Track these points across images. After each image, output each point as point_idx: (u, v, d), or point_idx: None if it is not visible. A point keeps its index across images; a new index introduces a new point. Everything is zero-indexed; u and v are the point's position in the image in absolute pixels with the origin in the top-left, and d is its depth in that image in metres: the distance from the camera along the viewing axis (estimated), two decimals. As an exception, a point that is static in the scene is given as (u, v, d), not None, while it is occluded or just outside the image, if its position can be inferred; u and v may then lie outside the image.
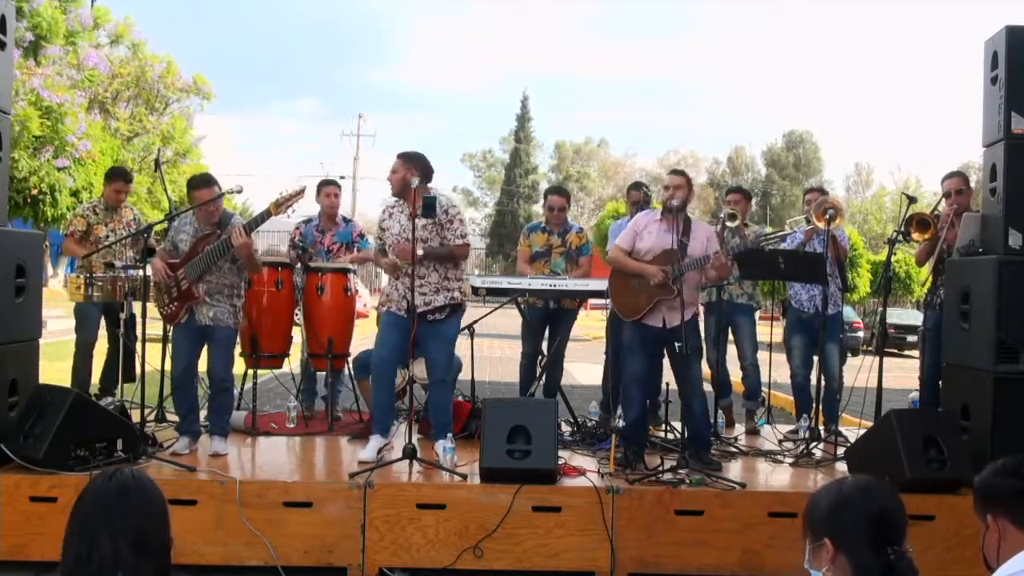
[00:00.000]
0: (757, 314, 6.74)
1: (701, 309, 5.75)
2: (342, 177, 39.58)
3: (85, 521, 1.83)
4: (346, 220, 6.62)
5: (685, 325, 4.77)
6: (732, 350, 6.45)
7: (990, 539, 2.16)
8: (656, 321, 4.93)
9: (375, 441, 4.87)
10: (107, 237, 6.10)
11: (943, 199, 5.51)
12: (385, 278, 5.12)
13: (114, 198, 6.25)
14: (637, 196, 6.46)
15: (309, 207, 6.81)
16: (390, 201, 5.16)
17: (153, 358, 5.44)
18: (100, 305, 5.95)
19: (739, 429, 6.34)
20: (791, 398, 6.57)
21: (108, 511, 1.83)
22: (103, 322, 6.15)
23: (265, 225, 4.96)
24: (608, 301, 5.38)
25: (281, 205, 4.79)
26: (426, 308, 4.82)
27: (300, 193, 4.88)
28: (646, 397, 5.21)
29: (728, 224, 6.12)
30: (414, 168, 4.86)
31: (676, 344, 4.82)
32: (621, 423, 5.00)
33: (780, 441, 5.83)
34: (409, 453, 4.45)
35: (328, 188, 6.60)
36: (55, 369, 6.49)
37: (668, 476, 4.47)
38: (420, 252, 4.78)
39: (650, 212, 5.24)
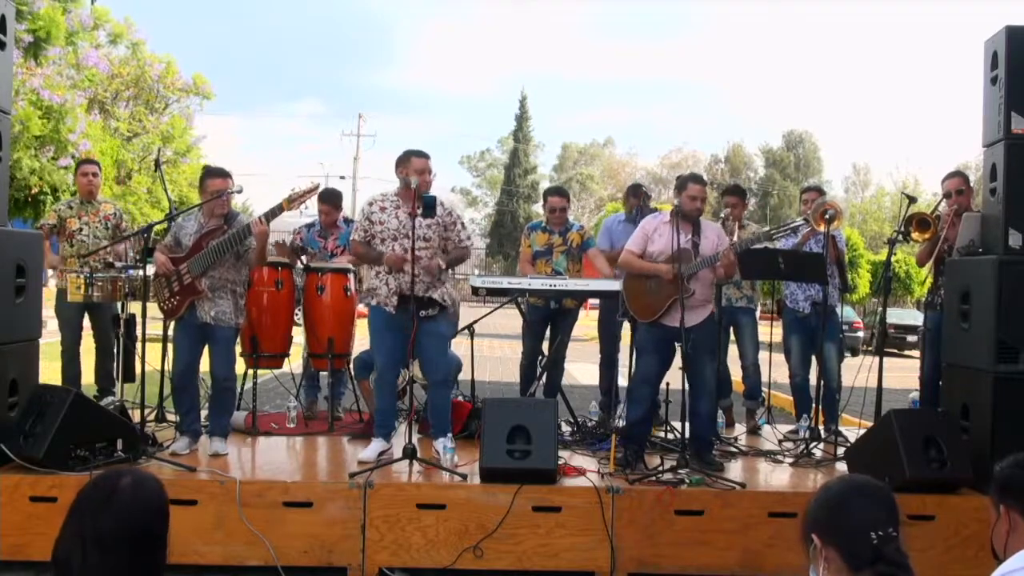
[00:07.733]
0: (758, 313, 6.72)
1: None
2: (342, 177, 39.56)
3: (68, 523, 1.82)
4: (347, 221, 6.55)
5: (692, 327, 4.76)
6: (732, 350, 6.46)
7: (999, 529, 2.16)
8: (673, 321, 4.90)
9: (377, 444, 4.87)
10: (80, 230, 6.13)
11: (943, 199, 5.51)
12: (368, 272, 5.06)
13: (85, 185, 6.28)
14: (636, 203, 6.32)
15: (314, 207, 6.78)
16: (378, 195, 5.09)
17: (153, 358, 5.44)
18: (80, 305, 5.94)
19: (739, 429, 6.34)
20: (791, 398, 6.56)
21: (87, 513, 1.80)
22: (87, 322, 6.17)
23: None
24: (599, 301, 5.35)
25: (294, 201, 4.82)
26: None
27: (313, 190, 4.91)
28: (654, 398, 5.22)
29: (726, 223, 6.11)
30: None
31: (676, 343, 4.81)
32: (621, 422, 5.00)
33: (780, 441, 5.83)
34: (409, 453, 4.45)
35: (324, 206, 6.38)
36: (55, 369, 6.47)
37: (668, 476, 4.46)
38: (443, 264, 4.82)
39: (658, 215, 5.23)
